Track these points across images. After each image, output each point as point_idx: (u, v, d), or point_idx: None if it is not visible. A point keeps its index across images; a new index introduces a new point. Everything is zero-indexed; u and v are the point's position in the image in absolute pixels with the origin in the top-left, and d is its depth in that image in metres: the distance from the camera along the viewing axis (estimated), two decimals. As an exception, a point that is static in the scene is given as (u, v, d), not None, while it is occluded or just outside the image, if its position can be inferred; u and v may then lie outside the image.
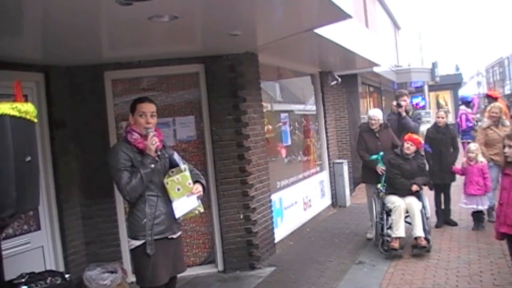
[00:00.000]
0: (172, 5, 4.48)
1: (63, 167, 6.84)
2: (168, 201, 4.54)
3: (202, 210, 4.75)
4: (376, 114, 8.88)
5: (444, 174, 9.29)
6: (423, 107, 28.78)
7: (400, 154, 8.25)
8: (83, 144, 7.09)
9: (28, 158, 3.60)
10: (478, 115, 14.39)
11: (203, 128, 7.60)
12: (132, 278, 7.11)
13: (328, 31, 7.40)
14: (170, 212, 4.54)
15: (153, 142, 4.50)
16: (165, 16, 4.79)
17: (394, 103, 9.67)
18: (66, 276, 4.86)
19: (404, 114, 9.35)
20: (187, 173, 4.58)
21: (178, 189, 4.50)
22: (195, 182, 4.64)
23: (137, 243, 4.44)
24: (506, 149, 5.21)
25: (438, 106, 34.14)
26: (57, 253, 6.71)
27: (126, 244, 7.21)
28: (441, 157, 9.27)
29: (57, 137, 6.78)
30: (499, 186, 5.87)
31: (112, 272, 6.82)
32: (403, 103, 9.42)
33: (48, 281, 4.65)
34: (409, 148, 8.15)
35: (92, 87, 7.16)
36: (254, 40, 7.06)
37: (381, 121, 8.91)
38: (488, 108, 9.79)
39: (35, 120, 3.67)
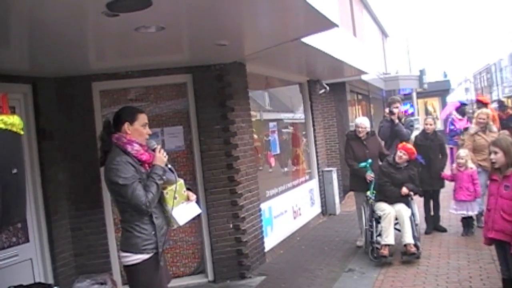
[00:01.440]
0: (159, 16, 4.49)
1: (52, 178, 6.81)
2: (163, 211, 4.52)
3: (200, 211, 4.86)
4: (363, 122, 8.92)
5: (433, 180, 9.33)
6: (412, 114, 28.92)
7: (392, 162, 8.28)
8: (72, 155, 7.07)
9: (15, 170, 3.57)
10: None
11: (192, 138, 7.60)
12: (121, 289, 7.10)
13: (316, 40, 7.43)
14: (167, 222, 4.53)
15: (164, 154, 4.48)
16: (152, 27, 4.81)
17: (387, 110, 9.73)
18: (55, 288, 4.84)
19: (397, 121, 9.41)
20: (182, 182, 4.59)
21: (175, 198, 4.48)
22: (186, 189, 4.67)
23: (146, 256, 4.31)
24: (492, 156, 5.25)
25: (427, 113, 34.32)
26: (46, 265, 6.67)
27: (116, 255, 7.24)
28: (430, 163, 9.31)
29: (45, 148, 6.76)
30: (488, 191, 5.91)
31: (102, 283, 6.78)
32: (395, 110, 9.48)
33: (36, 293, 4.62)
34: (401, 157, 8.19)
35: (80, 98, 7.15)
36: (242, 50, 7.09)
37: (368, 129, 8.94)
38: (476, 114, 9.86)
39: (22, 132, 3.65)
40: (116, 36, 5.09)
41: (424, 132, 9.63)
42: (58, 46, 5.24)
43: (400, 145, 8.47)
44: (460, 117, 12.77)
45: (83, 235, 7.11)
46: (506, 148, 5.19)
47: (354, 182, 9.03)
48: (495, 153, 5.22)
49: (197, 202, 4.81)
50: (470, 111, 16.88)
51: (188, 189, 4.69)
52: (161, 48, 6.01)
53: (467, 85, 69.33)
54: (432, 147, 9.40)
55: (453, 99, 32.05)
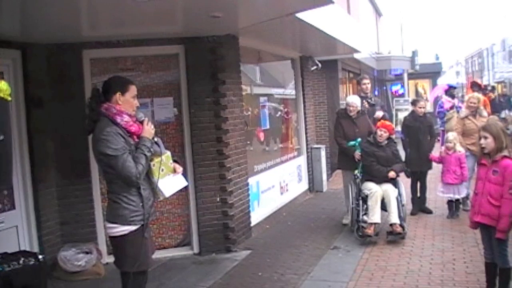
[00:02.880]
0: (153, -16, 4.42)
1: (39, 146, 6.76)
2: (150, 183, 4.49)
3: (186, 183, 4.83)
4: (355, 101, 8.91)
5: (422, 162, 9.37)
6: (402, 95, 28.95)
7: (374, 141, 8.29)
8: (60, 123, 7.00)
9: (1, 137, 3.52)
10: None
11: (182, 110, 7.55)
12: (107, 259, 7.11)
13: (310, 16, 7.37)
14: (153, 193, 4.51)
15: (152, 127, 4.46)
16: (146, -5, 4.73)
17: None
18: (40, 257, 4.80)
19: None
20: (169, 153, 4.57)
21: (162, 170, 4.46)
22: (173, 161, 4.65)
23: (133, 228, 4.31)
24: (482, 141, 5.25)
25: (417, 94, 34.36)
26: (32, 233, 6.65)
27: (102, 225, 7.22)
28: (418, 145, 9.33)
29: (34, 116, 6.69)
30: (475, 175, 5.92)
31: (87, 252, 6.80)
32: (365, 86, 9.90)
33: (21, 261, 4.60)
34: (381, 135, 8.21)
35: (70, 65, 7.06)
36: (235, 23, 7.02)
37: (359, 108, 8.93)
38: (467, 98, 9.87)
39: (9, 99, 3.59)
40: (109, 3, 5.02)
41: (413, 113, 9.62)
42: (50, 11, 5.16)
43: (378, 124, 8.50)
44: (449, 99, 12.79)
45: (69, 204, 7.09)
46: (496, 134, 5.20)
47: (343, 161, 9.05)
48: (485, 138, 5.23)
49: (184, 174, 4.78)
50: (460, 94, 16.98)
51: (175, 161, 4.69)
52: (154, 17, 5.92)
53: (458, 68, 69.51)
54: (421, 128, 9.40)
55: (443, 82, 32.09)
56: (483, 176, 5.33)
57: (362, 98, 9.47)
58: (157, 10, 5.44)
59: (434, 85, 34.29)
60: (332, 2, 5.66)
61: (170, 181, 4.56)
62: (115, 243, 4.47)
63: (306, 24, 7.51)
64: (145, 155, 4.30)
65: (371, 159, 8.19)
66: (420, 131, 9.39)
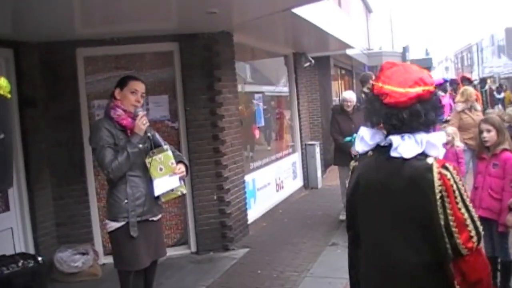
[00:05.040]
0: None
1: (33, 146, 6.67)
2: (150, 182, 4.42)
3: (184, 191, 4.67)
4: (351, 96, 8.86)
5: None
6: (393, 91, 28.94)
7: None
8: (54, 123, 6.90)
9: (1, 136, 3.44)
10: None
11: (177, 108, 7.48)
12: (104, 259, 7.04)
13: (304, 11, 7.32)
14: (152, 193, 4.42)
15: (144, 122, 4.40)
16: (143, -9, 4.66)
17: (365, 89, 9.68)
18: (39, 259, 4.72)
19: None
20: (169, 153, 4.48)
21: (161, 169, 4.39)
22: (178, 162, 4.53)
23: (117, 225, 4.31)
24: (485, 134, 5.20)
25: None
26: (27, 234, 6.56)
27: (98, 225, 7.17)
28: None
29: (27, 116, 6.60)
30: (473, 170, 5.86)
31: (83, 253, 6.72)
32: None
33: (20, 264, 4.51)
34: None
35: (63, 64, 6.97)
36: (231, 19, 6.95)
37: (355, 103, 8.89)
38: (461, 91, 9.83)
39: (9, 96, 3.49)
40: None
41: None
42: (42, 9, 5.07)
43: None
44: (442, 94, 12.77)
45: (65, 204, 6.99)
46: (498, 126, 5.17)
47: (339, 157, 8.98)
48: (488, 131, 5.18)
49: (182, 178, 4.63)
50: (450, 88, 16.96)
51: (180, 162, 4.59)
52: (150, 14, 5.85)
53: (447, 63, 69.78)
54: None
55: (434, 77, 32.11)
56: (483, 170, 5.29)
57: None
58: (154, 6, 5.37)
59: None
60: (330, -4, 5.62)
61: (165, 182, 4.47)
62: (109, 239, 4.59)
63: (301, 19, 7.47)
64: (127, 151, 4.27)
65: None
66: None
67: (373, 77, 9.69)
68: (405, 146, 2.48)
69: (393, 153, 2.51)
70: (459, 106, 9.57)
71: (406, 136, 2.50)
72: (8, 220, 6.37)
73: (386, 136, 2.59)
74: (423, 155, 2.47)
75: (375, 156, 2.62)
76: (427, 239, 2.45)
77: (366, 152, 2.67)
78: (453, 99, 15.82)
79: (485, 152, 5.31)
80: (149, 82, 7.34)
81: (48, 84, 6.87)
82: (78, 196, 7.09)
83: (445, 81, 13.81)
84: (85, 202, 7.14)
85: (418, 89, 2.48)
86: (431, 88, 2.51)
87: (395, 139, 2.50)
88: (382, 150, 2.58)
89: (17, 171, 6.46)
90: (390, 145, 2.53)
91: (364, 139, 2.64)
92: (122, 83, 4.50)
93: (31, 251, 6.45)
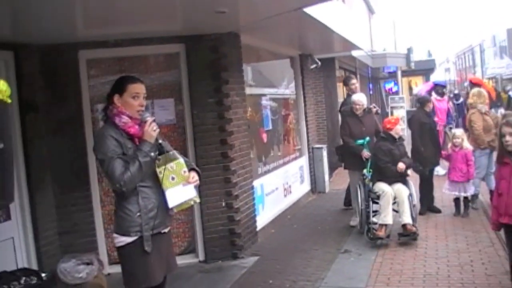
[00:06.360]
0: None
1: (35, 153, 6.40)
2: (161, 192, 4.12)
3: (198, 200, 4.34)
4: (361, 99, 8.65)
5: (437, 158, 9.33)
6: (396, 92, 28.76)
7: (389, 138, 8.01)
8: (56, 128, 6.65)
9: (1, 145, 3.15)
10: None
11: (183, 112, 7.23)
12: (109, 269, 6.79)
13: (313, 10, 7.08)
14: (163, 204, 4.13)
15: (154, 128, 4.05)
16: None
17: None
18: (42, 275, 4.44)
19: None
20: (182, 161, 4.16)
21: (173, 178, 4.07)
22: (190, 170, 4.24)
23: (129, 239, 3.98)
24: (508, 137, 4.92)
25: (410, 91, 34.26)
26: (29, 244, 6.30)
27: (102, 234, 6.94)
28: (435, 141, 9.18)
29: (28, 121, 6.33)
30: (497, 175, 5.58)
31: (88, 263, 6.42)
32: (354, 87, 9.63)
33: (22, 281, 4.24)
34: (398, 131, 8.01)
35: (65, 67, 6.72)
36: (239, 19, 6.72)
37: (365, 106, 8.67)
38: (477, 92, 9.58)
39: (9, 101, 3.20)
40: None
41: (422, 110, 9.38)
42: (43, 10, 4.82)
43: (392, 119, 8.31)
44: (439, 97, 12.43)
45: (68, 212, 6.74)
46: None
47: (350, 160, 8.77)
48: (511, 134, 4.90)
49: (196, 187, 4.29)
50: (456, 91, 16.71)
51: (192, 169, 4.30)
52: (156, 14, 5.60)
53: (448, 65, 69.64)
54: (433, 125, 9.26)
55: (435, 79, 31.98)
56: (507, 176, 5.01)
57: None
58: (160, 6, 5.13)
59: (427, 81, 34.25)
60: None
61: (179, 191, 4.13)
62: (118, 254, 4.23)
63: (311, 19, 7.22)
64: (138, 161, 3.93)
65: (387, 160, 7.87)
66: (432, 127, 9.24)
67: (355, 79, 9.78)
68: None
69: None
70: (482, 108, 9.30)
71: None
72: (10, 230, 6.11)
73: None
74: None
75: None
76: None
77: None
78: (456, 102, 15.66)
79: (507, 157, 5.03)
80: (154, 85, 7.15)
81: (50, 88, 6.62)
82: (82, 203, 6.85)
83: (437, 85, 13.40)
84: (89, 210, 6.89)
85: None
86: None
87: None
88: None
89: (18, 179, 6.20)
90: None
91: None
92: (120, 88, 4.11)
93: (33, 261, 6.23)
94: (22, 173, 6.28)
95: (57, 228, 6.69)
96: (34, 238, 6.36)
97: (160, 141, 4.16)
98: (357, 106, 8.53)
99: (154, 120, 4.10)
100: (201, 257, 7.34)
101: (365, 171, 8.16)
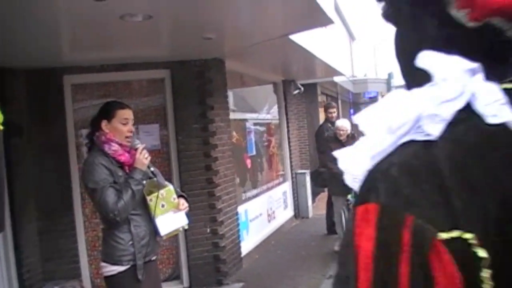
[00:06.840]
0: (148, 3, 4.12)
1: (18, 177, 6.30)
2: (150, 220, 4.09)
3: (186, 227, 4.34)
4: (345, 125, 8.68)
5: None
6: (377, 118, 28.91)
7: None
8: (40, 153, 6.59)
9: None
10: None
11: (168, 137, 7.22)
12: (92, 296, 6.68)
13: (297, 37, 7.15)
14: (153, 231, 4.10)
15: (146, 156, 4.01)
16: (139, 15, 4.43)
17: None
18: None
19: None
20: (171, 187, 4.15)
21: (163, 205, 4.04)
22: (178, 196, 4.22)
23: (121, 268, 3.91)
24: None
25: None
26: (11, 271, 6.16)
27: (86, 260, 6.82)
28: None
29: (12, 145, 6.23)
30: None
31: (71, 290, 6.37)
32: (333, 115, 10.01)
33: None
34: None
35: (50, 92, 6.67)
36: (224, 45, 6.75)
37: (349, 132, 8.72)
38: None
39: (1, 128, 3.13)
40: (96, 24, 4.68)
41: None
42: (28, 35, 4.80)
43: None
44: None
45: (51, 238, 6.63)
46: None
47: (333, 186, 8.77)
48: None
49: (187, 214, 4.27)
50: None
51: (181, 196, 4.28)
52: (142, 40, 5.62)
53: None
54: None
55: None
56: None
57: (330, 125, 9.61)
58: (147, 31, 5.13)
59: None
60: (333, 22, 5.42)
61: (170, 219, 4.10)
62: (106, 284, 4.11)
63: (295, 45, 7.28)
64: (131, 189, 3.86)
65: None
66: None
67: (334, 107, 10.20)
68: None
69: None
70: None
71: None
72: (-9, 256, 6.01)
73: None
74: None
75: None
76: None
77: None
78: None
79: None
80: (139, 110, 7.11)
81: (34, 112, 6.57)
82: (65, 229, 6.74)
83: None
84: (72, 236, 6.79)
85: None
86: None
87: None
88: None
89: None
90: None
91: None
92: (108, 114, 4.05)
93: (15, 288, 6.10)
94: (5, 198, 6.18)
95: (40, 254, 6.58)
96: (16, 264, 6.22)
97: (152, 168, 4.14)
98: (341, 132, 8.56)
99: (144, 147, 4.07)
100: (186, 283, 7.26)
101: (349, 196, 8.18)
